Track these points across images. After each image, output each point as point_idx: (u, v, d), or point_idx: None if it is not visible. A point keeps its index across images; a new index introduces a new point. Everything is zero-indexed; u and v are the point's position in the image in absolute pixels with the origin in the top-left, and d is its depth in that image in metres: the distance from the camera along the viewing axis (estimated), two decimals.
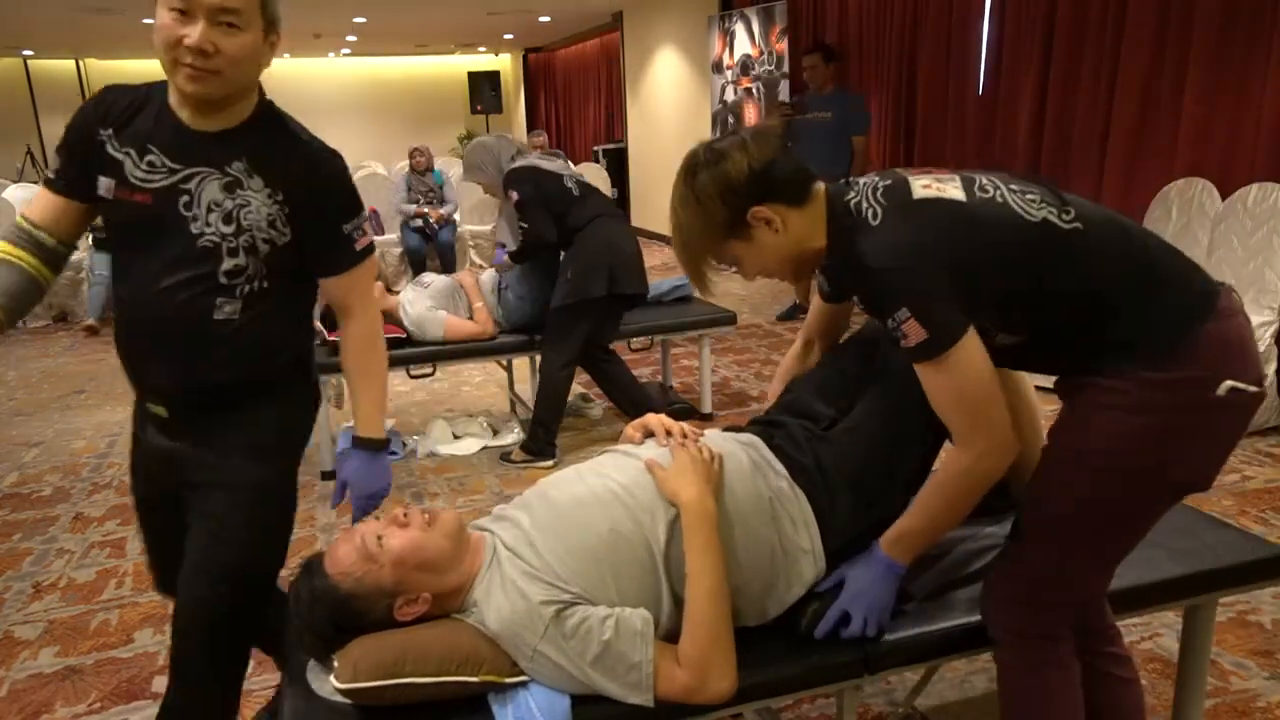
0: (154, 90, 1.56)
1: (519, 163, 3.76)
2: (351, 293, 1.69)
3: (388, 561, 1.44)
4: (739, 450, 1.64)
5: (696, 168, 1.49)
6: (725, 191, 1.46)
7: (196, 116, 1.52)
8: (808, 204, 1.49)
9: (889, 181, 1.47)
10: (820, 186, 1.52)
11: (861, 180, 1.52)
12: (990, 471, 1.42)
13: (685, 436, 1.64)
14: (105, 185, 1.54)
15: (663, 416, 1.70)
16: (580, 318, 3.70)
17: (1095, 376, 1.42)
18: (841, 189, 1.52)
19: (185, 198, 1.52)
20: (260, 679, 2.38)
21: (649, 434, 1.69)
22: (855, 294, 1.50)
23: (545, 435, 3.84)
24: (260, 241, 1.55)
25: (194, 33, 1.41)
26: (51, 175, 1.59)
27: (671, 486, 1.51)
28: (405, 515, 1.50)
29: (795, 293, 6.28)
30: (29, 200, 1.62)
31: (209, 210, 1.52)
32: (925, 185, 1.45)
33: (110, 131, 1.53)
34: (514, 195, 3.68)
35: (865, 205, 1.45)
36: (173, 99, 1.53)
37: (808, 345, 1.90)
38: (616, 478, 1.57)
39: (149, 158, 1.52)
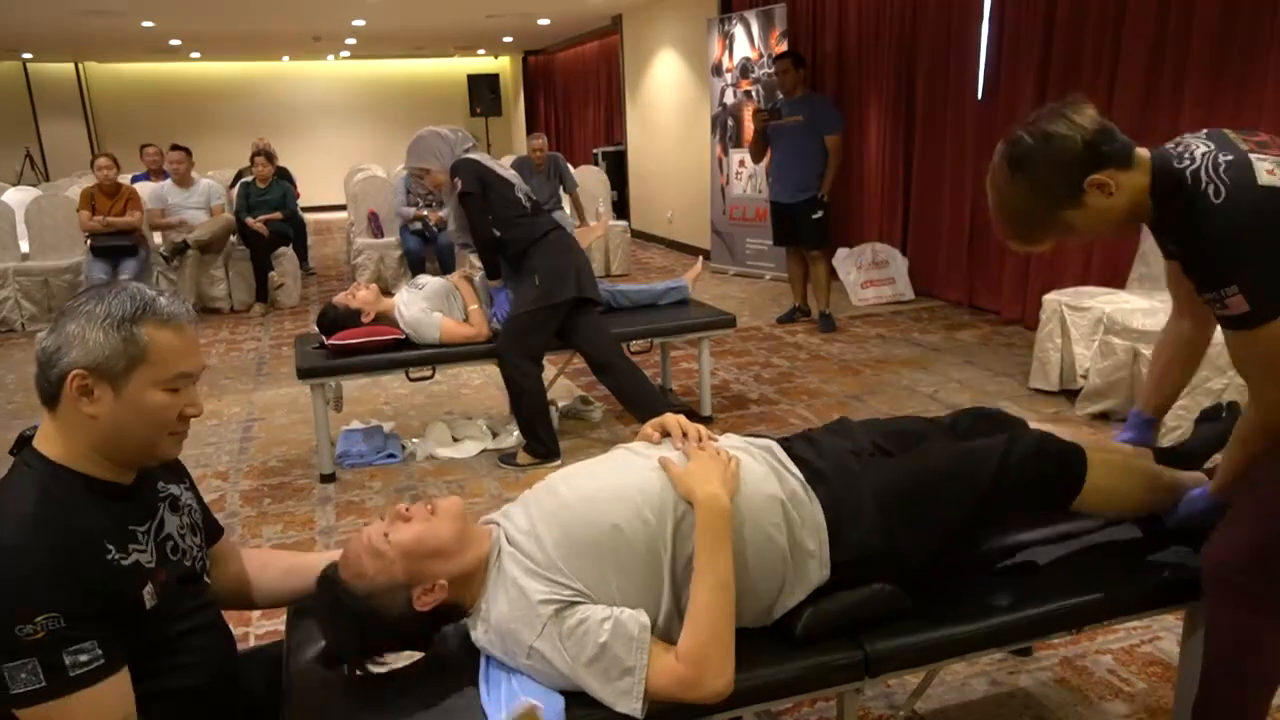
0: (56, 485, 1.27)
1: (470, 155, 3.78)
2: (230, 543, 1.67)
3: (397, 555, 1.45)
4: (754, 453, 1.66)
5: (1024, 148, 1.55)
6: (1060, 167, 1.52)
7: (126, 473, 1.36)
8: (1135, 166, 1.56)
9: (1230, 156, 1.49)
10: (1143, 151, 1.58)
11: (1192, 146, 1.54)
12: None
13: (701, 440, 1.64)
14: (149, 594, 1.30)
15: (680, 418, 1.70)
16: (547, 321, 3.74)
17: None
18: (1167, 153, 1.56)
19: (170, 543, 1.39)
20: None
21: (666, 434, 1.69)
22: (1182, 259, 1.56)
23: (544, 436, 3.83)
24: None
25: (194, 399, 1.35)
26: (99, 663, 1.20)
27: (687, 484, 1.52)
28: (408, 510, 1.51)
29: (793, 296, 6.27)
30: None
31: (181, 537, 1.42)
32: (1270, 171, 1.47)
33: (112, 547, 1.27)
34: (458, 183, 3.70)
35: (1205, 179, 1.48)
36: (95, 472, 1.31)
37: (1179, 309, 1.88)
38: (626, 475, 1.57)
39: (140, 535, 1.34)
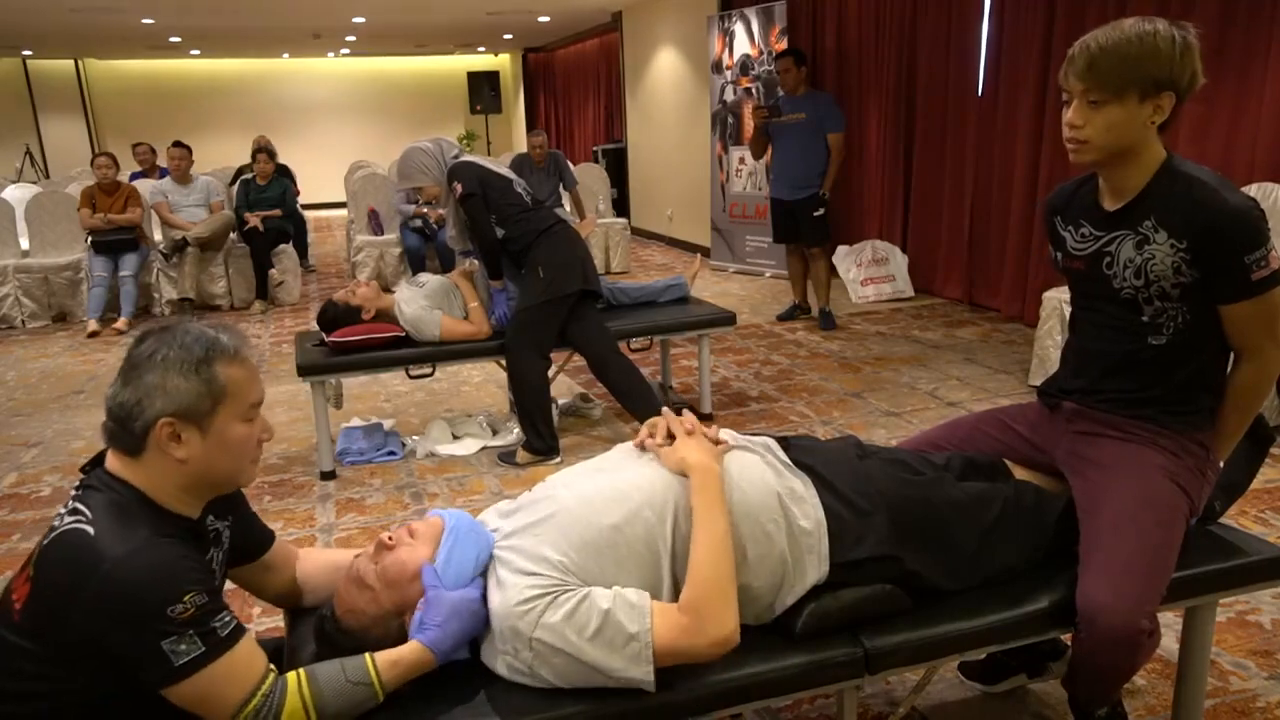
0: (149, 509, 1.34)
1: (463, 158, 3.80)
2: None
3: (380, 586, 1.47)
4: (750, 447, 1.66)
5: (1188, 34, 1.59)
6: (1176, 66, 1.57)
7: (196, 507, 1.43)
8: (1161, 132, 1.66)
9: None
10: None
11: None
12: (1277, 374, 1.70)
13: (691, 429, 1.64)
14: None
15: (668, 412, 1.70)
16: (554, 314, 3.74)
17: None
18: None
19: (216, 574, 1.50)
20: None
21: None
22: (1199, 237, 1.60)
23: (545, 431, 3.83)
24: None
25: (266, 425, 1.45)
26: (235, 622, 1.32)
27: (678, 455, 1.55)
28: (390, 538, 1.53)
29: (793, 293, 6.27)
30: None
31: (219, 569, 1.51)
32: None
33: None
34: (458, 187, 3.70)
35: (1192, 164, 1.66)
36: (173, 506, 1.37)
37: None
38: (625, 474, 1.58)
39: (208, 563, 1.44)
